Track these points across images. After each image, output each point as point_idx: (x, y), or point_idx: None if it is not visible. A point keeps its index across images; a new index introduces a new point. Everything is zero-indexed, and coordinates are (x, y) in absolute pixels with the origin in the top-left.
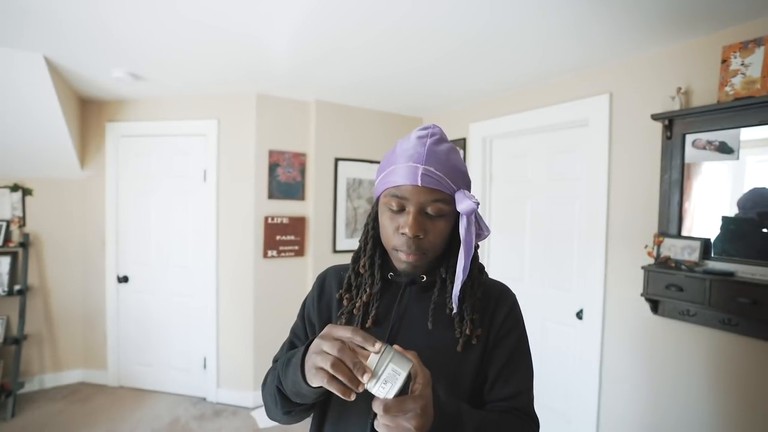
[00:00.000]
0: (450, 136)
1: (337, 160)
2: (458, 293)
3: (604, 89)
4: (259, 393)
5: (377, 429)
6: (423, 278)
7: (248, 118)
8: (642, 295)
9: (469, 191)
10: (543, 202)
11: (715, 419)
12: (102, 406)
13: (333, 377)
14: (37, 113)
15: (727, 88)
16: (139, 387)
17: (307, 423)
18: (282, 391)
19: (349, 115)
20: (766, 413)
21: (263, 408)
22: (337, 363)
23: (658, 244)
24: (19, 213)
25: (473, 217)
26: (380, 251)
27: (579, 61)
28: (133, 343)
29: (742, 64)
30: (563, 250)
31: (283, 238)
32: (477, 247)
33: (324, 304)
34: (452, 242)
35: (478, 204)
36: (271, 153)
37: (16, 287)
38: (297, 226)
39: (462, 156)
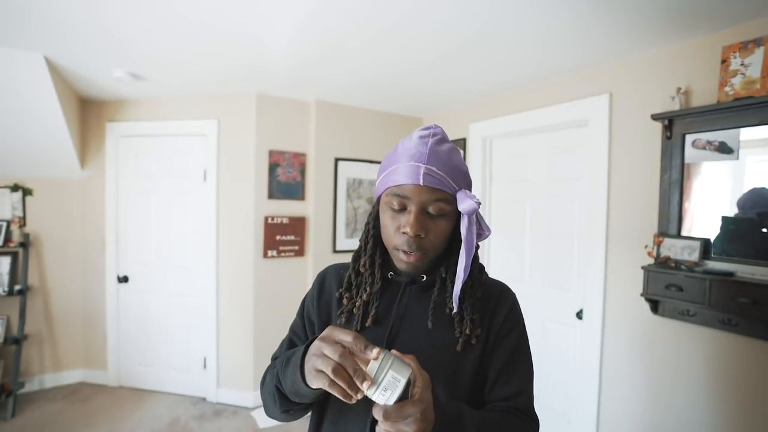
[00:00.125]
0: (450, 136)
1: (337, 160)
2: (459, 293)
3: (604, 89)
4: (259, 393)
5: None
6: (423, 278)
7: (248, 118)
8: (642, 295)
9: (470, 191)
10: (543, 202)
11: (714, 419)
12: (102, 406)
13: (334, 381)
14: (37, 113)
15: (727, 88)
16: (139, 387)
17: (306, 421)
18: (281, 390)
19: (349, 115)
20: (766, 413)
21: (263, 408)
22: (338, 368)
23: (658, 244)
24: (19, 213)
25: (474, 216)
26: (381, 250)
27: (579, 61)
28: (133, 343)
29: (742, 64)
30: (563, 250)
31: (283, 238)
32: (477, 247)
33: (324, 303)
34: (452, 242)
35: (479, 204)
36: (271, 153)
37: (16, 287)
38: (297, 226)
39: (462, 156)
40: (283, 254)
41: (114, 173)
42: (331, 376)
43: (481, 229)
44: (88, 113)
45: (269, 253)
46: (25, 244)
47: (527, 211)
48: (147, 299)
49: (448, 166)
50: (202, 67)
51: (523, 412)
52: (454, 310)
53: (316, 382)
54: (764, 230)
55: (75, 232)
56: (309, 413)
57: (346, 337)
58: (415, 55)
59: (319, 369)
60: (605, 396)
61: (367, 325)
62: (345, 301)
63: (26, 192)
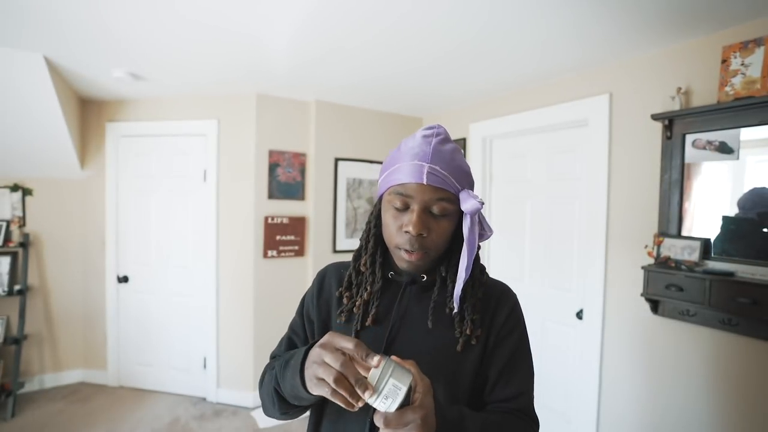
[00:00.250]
0: (450, 136)
1: (337, 160)
2: (460, 293)
3: (604, 89)
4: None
5: None
6: (423, 278)
7: (248, 118)
8: (642, 295)
9: (473, 191)
10: (543, 202)
11: (714, 419)
12: (102, 406)
13: (336, 390)
14: (37, 113)
15: (727, 88)
16: (139, 387)
17: (305, 420)
18: (280, 393)
19: (349, 115)
20: (766, 413)
21: (261, 407)
22: (340, 378)
23: (658, 244)
24: (19, 213)
25: (477, 217)
26: (382, 250)
27: (579, 61)
28: (133, 343)
29: (742, 64)
30: (563, 250)
31: (283, 238)
32: (478, 247)
33: (323, 302)
34: (453, 242)
35: (482, 204)
36: (271, 153)
37: (16, 287)
38: (297, 226)
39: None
40: (283, 254)
41: (114, 173)
42: (333, 386)
43: (483, 230)
44: (88, 113)
45: (269, 253)
46: (24, 244)
47: (527, 211)
48: (147, 299)
49: (451, 166)
50: (202, 67)
51: (523, 413)
52: (455, 310)
53: (316, 390)
54: (764, 230)
55: (75, 232)
56: (308, 412)
57: (347, 343)
58: (415, 55)
59: (320, 377)
60: (605, 396)
61: (367, 324)
62: (345, 300)
63: (26, 192)
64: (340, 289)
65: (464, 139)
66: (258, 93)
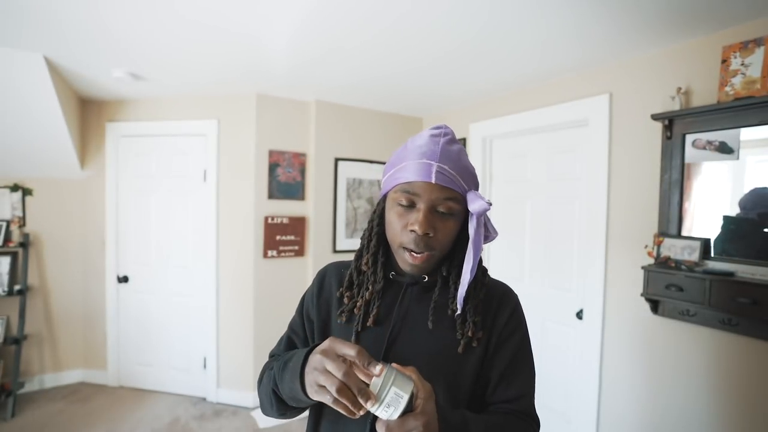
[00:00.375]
0: None
1: (337, 160)
2: (464, 294)
3: (604, 89)
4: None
5: None
6: (425, 278)
7: (248, 118)
8: (642, 295)
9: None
10: (543, 202)
11: (714, 419)
12: (102, 406)
13: (337, 399)
14: (37, 113)
15: (727, 88)
16: (139, 387)
17: (305, 420)
18: (278, 394)
19: (349, 115)
20: (766, 413)
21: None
22: (342, 388)
23: (658, 244)
24: (19, 213)
25: (482, 218)
26: (384, 249)
27: (579, 61)
28: (133, 343)
29: (742, 64)
30: (563, 250)
31: (283, 238)
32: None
33: (323, 301)
34: (455, 243)
35: (490, 204)
36: (271, 153)
37: (16, 287)
38: (297, 226)
39: None
40: (283, 254)
41: (114, 173)
42: (335, 396)
43: (488, 231)
44: (88, 113)
45: (269, 253)
46: (24, 244)
47: (527, 211)
48: (147, 299)
49: (458, 166)
50: (202, 67)
51: (525, 414)
52: (458, 312)
53: (317, 396)
54: (765, 230)
55: (75, 232)
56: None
57: (349, 350)
58: (415, 55)
59: (321, 385)
60: (605, 396)
61: (368, 324)
62: (346, 300)
63: (26, 192)
64: (341, 289)
65: (464, 139)
66: (258, 93)
